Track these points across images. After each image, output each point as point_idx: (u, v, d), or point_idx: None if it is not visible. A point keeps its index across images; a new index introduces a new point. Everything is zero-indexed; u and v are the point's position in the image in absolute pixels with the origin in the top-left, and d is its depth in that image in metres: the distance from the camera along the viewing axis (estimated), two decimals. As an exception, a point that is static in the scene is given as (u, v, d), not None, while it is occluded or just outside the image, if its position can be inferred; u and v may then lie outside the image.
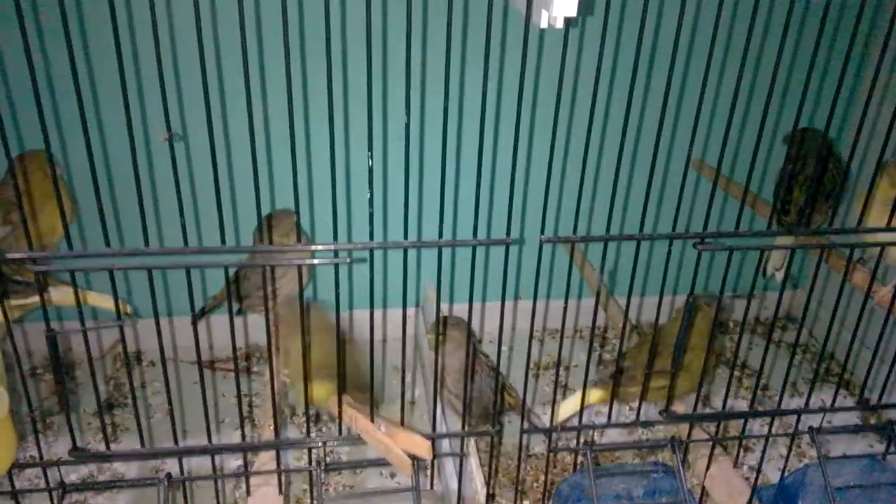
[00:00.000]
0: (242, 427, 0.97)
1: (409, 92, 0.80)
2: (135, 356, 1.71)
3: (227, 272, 0.98)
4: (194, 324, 0.93)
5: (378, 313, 1.52)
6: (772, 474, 1.37)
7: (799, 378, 1.75)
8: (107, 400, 1.57)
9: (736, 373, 1.72)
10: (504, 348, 1.71)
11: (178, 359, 1.65)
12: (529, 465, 1.44)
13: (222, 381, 1.64)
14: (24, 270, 1.12)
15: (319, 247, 0.89)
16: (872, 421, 1.56)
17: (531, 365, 1.70)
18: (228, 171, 1.51)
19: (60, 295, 1.14)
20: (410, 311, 1.68)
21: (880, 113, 1.28)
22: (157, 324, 0.89)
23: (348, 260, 0.88)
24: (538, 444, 1.50)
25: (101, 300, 1.18)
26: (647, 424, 1.06)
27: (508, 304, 1.38)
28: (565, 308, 0.96)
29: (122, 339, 0.88)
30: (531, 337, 1.00)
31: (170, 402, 0.93)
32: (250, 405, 1.57)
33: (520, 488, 1.36)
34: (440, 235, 0.90)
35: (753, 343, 1.87)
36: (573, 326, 1.90)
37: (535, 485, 1.40)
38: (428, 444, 0.95)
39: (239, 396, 0.94)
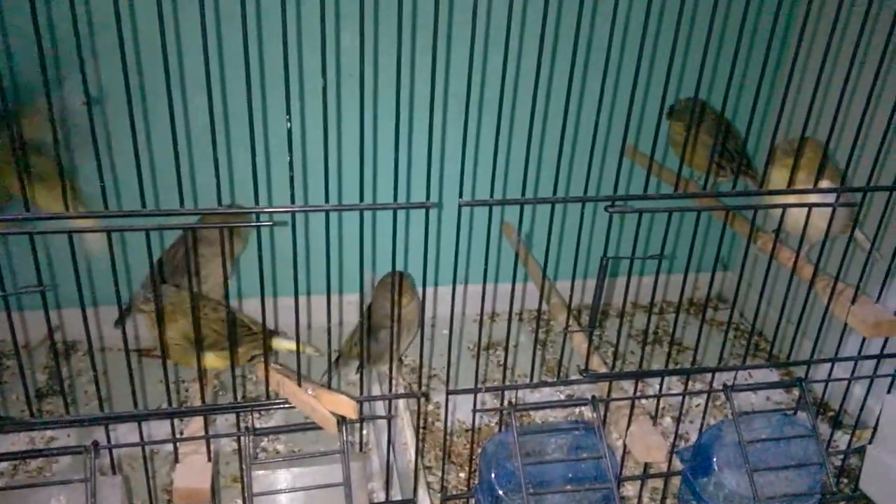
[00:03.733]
0: (169, 396, 0.98)
1: (325, 56, 0.83)
2: (66, 347, 1.70)
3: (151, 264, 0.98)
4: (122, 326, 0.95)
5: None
6: (692, 436, 1.43)
7: (729, 355, 1.82)
8: (38, 390, 1.56)
9: (668, 350, 1.78)
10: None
11: (107, 347, 1.64)
12: (453, 431, 1.47)
13: (153, 367, 1.62)
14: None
15: (237, 210, 0.91)
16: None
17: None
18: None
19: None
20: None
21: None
22: (82, 300, 0.90)
23: (270, 223, 0.90)
24: (461, 412, 1.53)
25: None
26: (568, 383, 1.10)
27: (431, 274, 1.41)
28: (485, 269, 1.00)
29: (46, 308, 0.88)
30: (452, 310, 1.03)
31: (94, 368, 0.94)
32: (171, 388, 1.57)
33: (447, 452, 1.39)
34: (361, 200, 0.93)
35: (687, 322, 1.94)
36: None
37: (462, 450, 1.43)
38: (353, 404, 0.97)
39: (165, 368, 0.95)
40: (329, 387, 1.02)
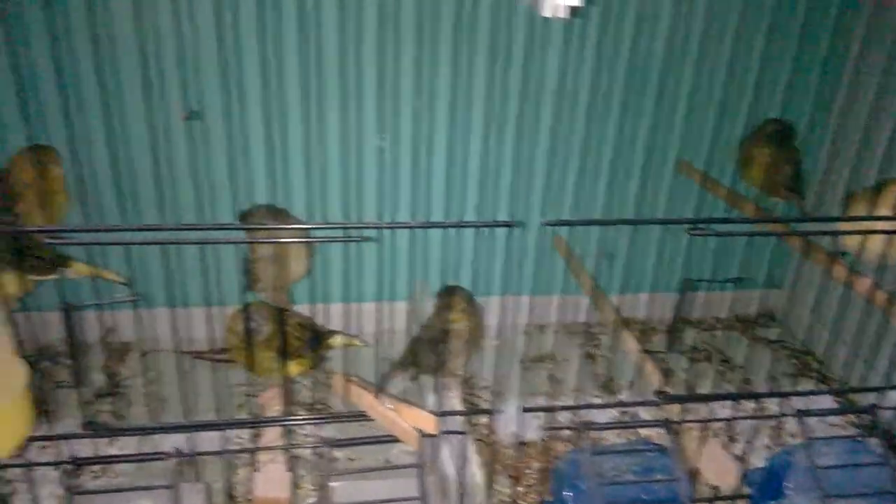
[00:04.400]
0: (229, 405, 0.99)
1: (420, 78, 0.84)
2: (121, 347, 1.72)
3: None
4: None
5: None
6: (756, 462, 1.42)
7: (779, 374, 1.81)
8: (99, 389, 1.58)
9: (719, 367, 1.78)
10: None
11: (161, 349, 1.66)
12: (521, 452, 1.47)
13: (207, 370, 1.63)
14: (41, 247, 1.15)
15: (330, 224, 0.92)
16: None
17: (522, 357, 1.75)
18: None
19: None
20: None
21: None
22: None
23: (359, 238, 0.91)
24: (529, 432, 1.53)
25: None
26: (644, 404, 1.10)
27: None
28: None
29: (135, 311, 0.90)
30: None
31: (180, 378, 0.95)
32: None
33: (513, 474, 1.39)
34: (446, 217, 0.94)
35: (732, 339, 1.92)
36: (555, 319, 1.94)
37: (526, 470, 1.43)
38: (434, 419, 0.98)
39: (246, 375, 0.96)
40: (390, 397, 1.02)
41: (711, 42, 1.43)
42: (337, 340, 1.26)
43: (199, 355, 1.68)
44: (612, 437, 1.51)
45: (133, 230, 0.89)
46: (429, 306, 1.43)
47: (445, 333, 1.34)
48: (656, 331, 1.94)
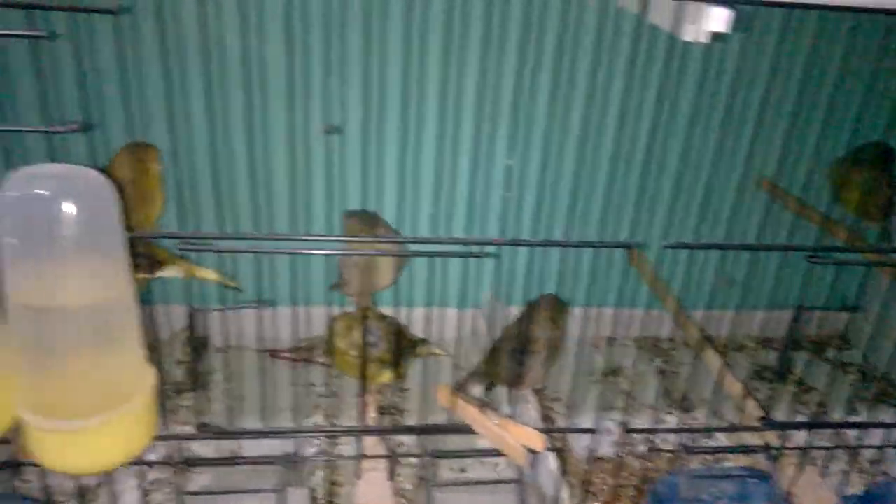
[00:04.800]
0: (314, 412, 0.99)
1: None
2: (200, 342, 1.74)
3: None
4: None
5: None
6: (847, 490, 1.40)
7: (855, 399, 1.78)
8: (176, 384, 1.60)
9: (792, 388, 1.75)
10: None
11: (242, 346, 1.68)
12: (595, 467, 1.46)
13: (284, 370, 1.64)
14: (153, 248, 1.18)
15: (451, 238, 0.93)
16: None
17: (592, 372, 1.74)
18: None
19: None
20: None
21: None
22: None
23: (481, 254, 0.91)
24: (604, 448, 1.53)
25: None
26: (748, 429, 1.09)
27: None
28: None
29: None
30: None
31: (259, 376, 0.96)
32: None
33: (589, 489, 1.39)
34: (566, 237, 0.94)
35: (800, 359, 1.89)
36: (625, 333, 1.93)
37: (604, 488, 1.43)
38: (542, 436, 0.98)
39: (365, 382, 0.97)
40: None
41: (816, 64, 1.42)
42: (424, 349, 1.27)
43: (276, 354, 1.71)
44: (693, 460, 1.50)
45: (256, 238, 0.90)
46: (502, 316, 1.43)
47: (528, 343, 1.34)
48: (744, 349, 1.92)
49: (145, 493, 1.02)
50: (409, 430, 1.03)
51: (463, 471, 1.37)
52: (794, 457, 1.12)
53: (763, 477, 1.08)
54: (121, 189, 1.34)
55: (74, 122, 0.76)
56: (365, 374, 1.08)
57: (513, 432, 0.99)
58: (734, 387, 1.31)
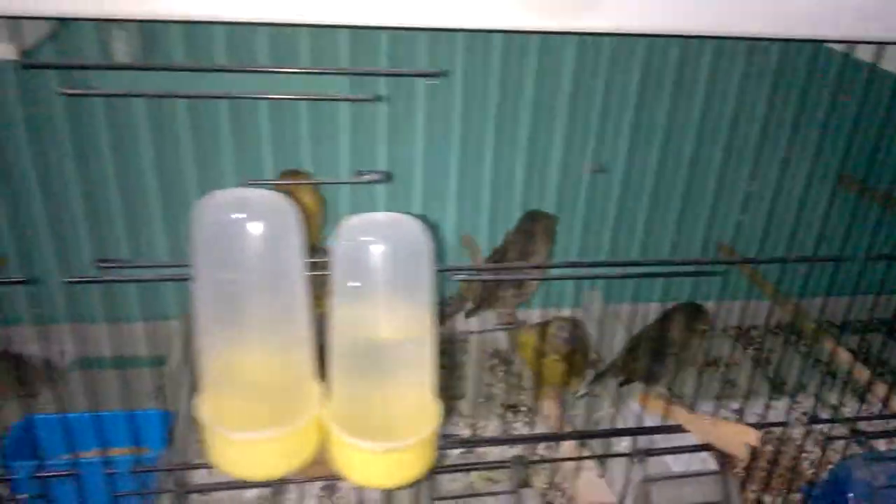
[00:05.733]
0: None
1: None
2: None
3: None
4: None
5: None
6: None
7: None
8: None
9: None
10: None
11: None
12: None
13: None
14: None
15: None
16: None
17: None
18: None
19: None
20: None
21: None
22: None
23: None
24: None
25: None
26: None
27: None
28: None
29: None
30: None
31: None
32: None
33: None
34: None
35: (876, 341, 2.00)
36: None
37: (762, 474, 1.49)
38: (757, 433, 1.07)
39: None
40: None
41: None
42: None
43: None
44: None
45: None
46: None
47: (671, 346, 1.43)
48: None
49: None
50: (623, 432, 1.11)
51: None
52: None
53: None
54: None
55: (377, 171, 0.82)
56: (567, 379, 1.15)
57: (727, 429, 1.08)
58: (862, 373, 1.42)
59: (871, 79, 0.84)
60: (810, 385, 1.50)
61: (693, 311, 1.47)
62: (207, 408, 0.84)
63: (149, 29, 1.11)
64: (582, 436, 1.09)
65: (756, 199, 1.01)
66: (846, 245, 0.97)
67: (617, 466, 1.17)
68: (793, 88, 1.54)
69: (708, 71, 1.57)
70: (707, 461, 1.42)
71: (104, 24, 1.00)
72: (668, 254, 1.08)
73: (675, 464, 1.19)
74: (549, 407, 1.27)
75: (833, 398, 1.52)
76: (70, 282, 0.80)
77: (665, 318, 1.49)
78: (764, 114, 1.62)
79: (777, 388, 1.78)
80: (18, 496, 0.96)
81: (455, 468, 1.07)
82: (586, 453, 1.14)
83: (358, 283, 0.78)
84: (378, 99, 0.76)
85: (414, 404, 0.87)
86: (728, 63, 1.56)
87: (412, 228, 0.80)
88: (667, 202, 1.72)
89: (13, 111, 1.23)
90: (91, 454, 1.07)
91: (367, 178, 0.80)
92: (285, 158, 1.43)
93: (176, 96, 0.76)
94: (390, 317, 0.82)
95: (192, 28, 1.17)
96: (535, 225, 1.47)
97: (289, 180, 1.35)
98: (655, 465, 1.12)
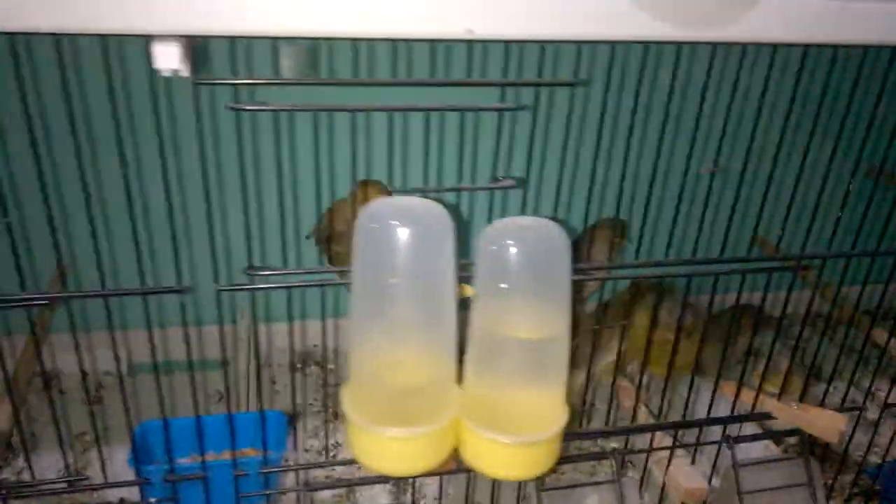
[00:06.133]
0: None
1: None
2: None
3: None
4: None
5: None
6: None
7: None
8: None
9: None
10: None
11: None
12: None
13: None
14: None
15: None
16: None
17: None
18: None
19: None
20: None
21: None
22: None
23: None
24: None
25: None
26: None
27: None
28: None
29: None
30: None
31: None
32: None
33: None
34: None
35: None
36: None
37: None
38: (843, 416, 1.12)
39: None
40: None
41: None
42: None
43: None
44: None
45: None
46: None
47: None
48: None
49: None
50: (716, 420, 1.15)
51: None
52: None
53: None
54: (339, 233, 1.38)
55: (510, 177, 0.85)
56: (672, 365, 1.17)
57: (817, 415, 1.13)
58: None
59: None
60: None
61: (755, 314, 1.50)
62: (357, 404, 0.87)
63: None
64: (677, 426, 1.13)
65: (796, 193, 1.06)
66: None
67: (705, 453, 1.22)
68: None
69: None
70: (769, 447, 1.49)
71: (273, 41, 1.02)
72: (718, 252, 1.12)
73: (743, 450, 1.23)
74: (624, 395, 1.31)
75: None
76: (223, 290, 0.82)
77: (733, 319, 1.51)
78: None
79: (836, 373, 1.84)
80: (150, 500, 0.99)
81: (564, 459, 1.11)
82: (676, 442, 1.18)
83: (506, 285, 0.82)
84: (520, 108, 0.78)
85: (548, 401, 0.91)
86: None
87: (552, 232, 0.84)
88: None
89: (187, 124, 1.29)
90: (209, 457, 1.09)
91: (503, 183, 0.83)
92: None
93: (338, 109, 0.78)
94: (530, 317, 0.85)
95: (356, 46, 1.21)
96: (597, 231, 1.50)
97: (366, 190, 1.37)
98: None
